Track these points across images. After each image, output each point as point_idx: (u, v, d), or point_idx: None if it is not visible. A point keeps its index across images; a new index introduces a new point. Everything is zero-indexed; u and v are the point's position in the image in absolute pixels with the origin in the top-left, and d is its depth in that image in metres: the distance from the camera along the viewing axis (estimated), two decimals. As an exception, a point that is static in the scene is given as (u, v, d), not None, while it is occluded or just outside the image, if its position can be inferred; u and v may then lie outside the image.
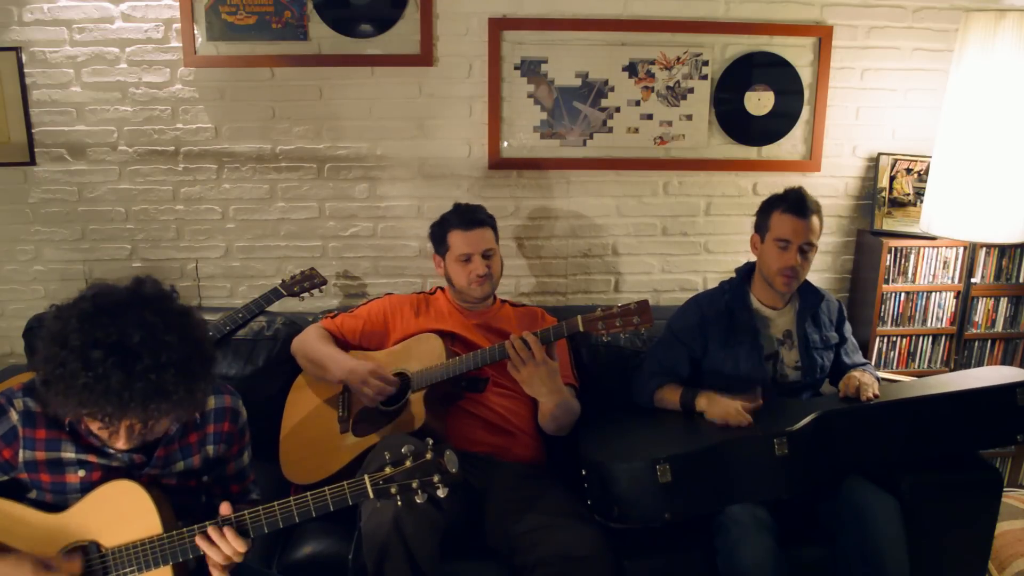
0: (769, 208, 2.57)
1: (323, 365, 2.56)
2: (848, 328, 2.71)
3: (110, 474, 1.75)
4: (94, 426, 1.65)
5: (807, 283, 2.65)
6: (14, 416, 1.72)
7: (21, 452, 1.72)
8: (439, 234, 2.68)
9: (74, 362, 1.55)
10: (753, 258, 2.65)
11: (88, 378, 1.54)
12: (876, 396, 2.40)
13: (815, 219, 2.51)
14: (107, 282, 1.67)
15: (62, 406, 1.62)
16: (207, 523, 1.71)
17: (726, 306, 2.61)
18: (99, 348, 1.55)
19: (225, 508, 1.73)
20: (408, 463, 1.70)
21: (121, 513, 1.72)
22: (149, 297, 1.65)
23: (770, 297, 2.61)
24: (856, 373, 2.51)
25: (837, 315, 2.69)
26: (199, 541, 1.70)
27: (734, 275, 2.70)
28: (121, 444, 1.66)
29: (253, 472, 2.00)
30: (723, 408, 2.40)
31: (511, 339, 2.38)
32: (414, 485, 1.69)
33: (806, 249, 2.51)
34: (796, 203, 2.51)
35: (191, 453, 1.84)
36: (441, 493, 1.69)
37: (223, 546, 1.70)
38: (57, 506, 1.74)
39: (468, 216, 2.64)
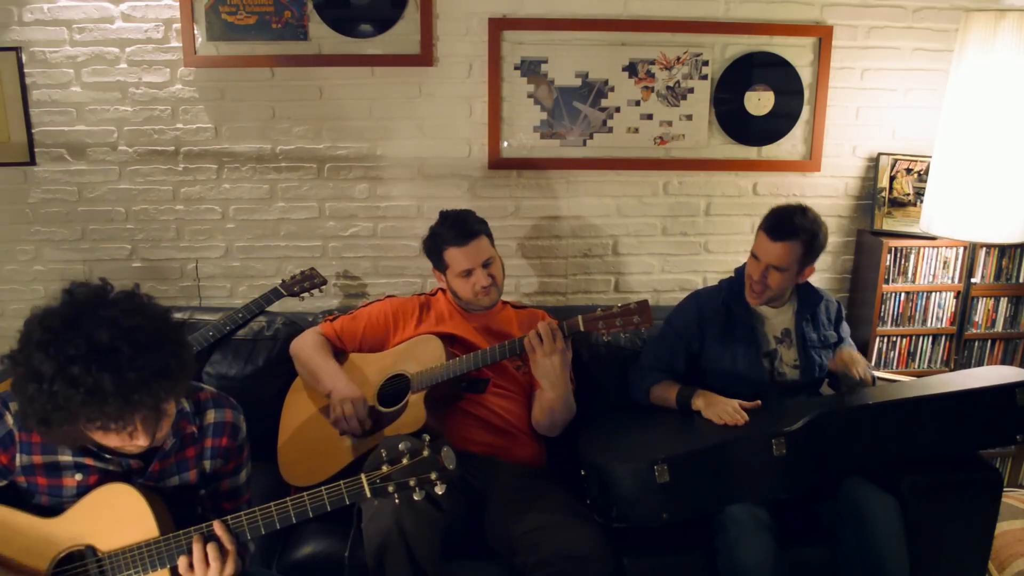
0: (761, 221, 2.56)
1: (318, 378, 2.55)
2: (845, 328, 2.71)
3: (107, 478, 1.74)
4: (110, 439, 1.62)
5: (806, 283, 2.65)
6: (10, 420, 1.71)
7: (18, 456, 1.71)
8: (434, 252, 2.64)
9: (61, 387, 1.51)
10: None
11: (83, 395, 1.51)
12: (867, 377, 2.42)
13: (794, 245, 2.46)
14: (41, 307, 1.63)
15: (68, 434, 1.59)
16: (202, 524, 1.70)
17: (723, 303, 2.61)
18: (75, 363, 1.51)
19: (219, 527, 1.71)
20: (405, 461, 1.69)
21: (117, 516, 1.71)
22: (90, 296, 1.61)
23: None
24: (846, 352, 2.52)
25: (836, 315, 2.69)
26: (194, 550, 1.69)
27: (733, 274, 2.70)
28: (142, 441, 1.62)
29: (249, 492, 1.96)
30: (720, 407, 2.40)
31: (539, 325, 2.37)
32: (411, 483, 1.68)
33: (776, 270, 2.50)
34: (774, 225, 2.49)
35: (187, 468, 1.82)
36: (439, 490, 1.68)
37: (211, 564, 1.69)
38: (52, 509, 1.73)
39: (460, 229, 2.58)
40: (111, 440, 1.62)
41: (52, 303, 1.62)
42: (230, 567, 1.69)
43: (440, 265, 2.65)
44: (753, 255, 2.54)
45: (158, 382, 1.57)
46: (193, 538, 1.69)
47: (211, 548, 1.68)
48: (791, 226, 2.46)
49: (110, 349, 1.53)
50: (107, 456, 1.73)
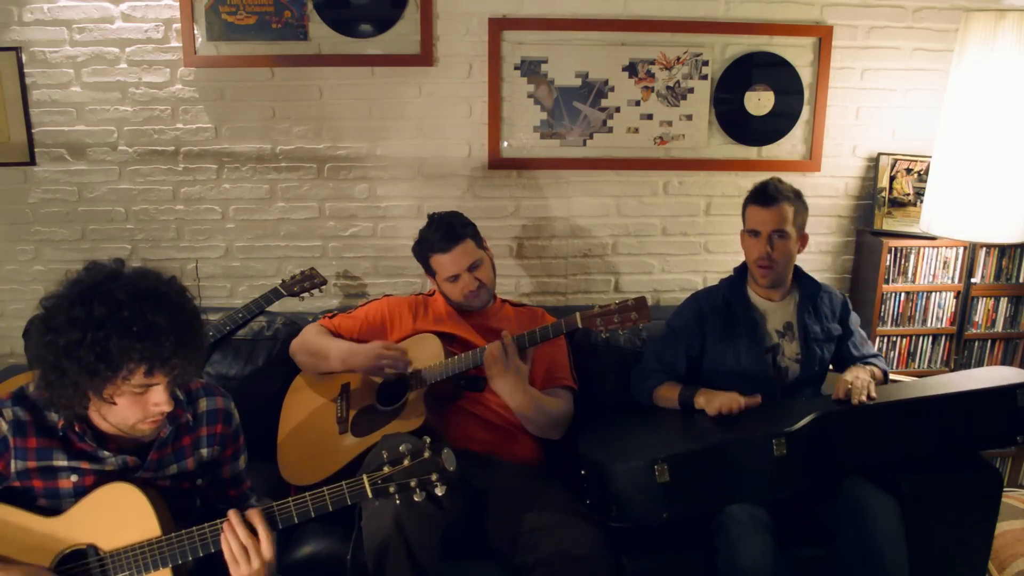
0: (744, 202, 2.61)
1: (326, 355, 2.56)
2: (855, 320, 2.69)
3: (103, 478, 1.73)
4: (136, 409, 1.64)
5: (807, 276, 2.66)
6: (3, 426, 1.70)
7: (13, 463, 1.71)
8: (422, 258, 2.66)
9: (113, 330, 1.55)
10: None
11: (137, 334, 1.55)
12: (872, 398, 2.38)
13: (786, 206, 2.52)
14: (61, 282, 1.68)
15: (108, 381, 1.59)
16: (218, 521, 1.70)
17: (724, 300, 2.62)
18: (124, 308, 1.56)
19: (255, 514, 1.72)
20: (406, 462, 1.70)
21: (118, 516, 1.71)
22: (115, 262, 1.70)
23: (766, 291, 2.62)
24: (847, 376, 2.48)
25: (841, 308, 2.68)
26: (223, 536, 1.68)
27: (733, 273, 2.70)
28: (167, 405, 1.66)
29: (250, 479, 1.98)
30: (718, 399, 2.41)
31: (491, 345, 2.38)
32: (412, 484, 1.69)
33: (779, 237, 2.52)
34: (760, 193, 2.55)
35: (184, 456, 1.83)
36: (439, 491, 1.69)
37: (242, 535, 1.68)
38: (52, 510, 1.73)
39: (445, 234, 2.58)
40: (135, 410, 1.64)
41: (69, 276, 1.68)
42: (268, 550, 1.68)
43: (429, 270, 2.67)
44: (751, 233, 2.56)
45: (200, 326, 1.66)
46: (223, 526, 1.69)
47: (257, 517, 1.69)
48: (775, 190, 2.54)
49: (159, 293, 1.61)
50: (104, 454, 1.73)
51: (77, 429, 1.71)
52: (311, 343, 2.64)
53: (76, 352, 1.56)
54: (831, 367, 2.69)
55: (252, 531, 1.69)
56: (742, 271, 2.67)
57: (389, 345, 2.49)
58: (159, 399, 1.65)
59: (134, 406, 1.65)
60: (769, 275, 2.56)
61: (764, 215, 2.53)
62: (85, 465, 1.73)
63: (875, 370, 2.59)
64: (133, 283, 1.61)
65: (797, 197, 2.57)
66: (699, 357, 2.63)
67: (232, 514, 1.69)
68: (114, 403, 1.64)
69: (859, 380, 2.44)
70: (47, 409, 1.73)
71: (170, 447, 1.81)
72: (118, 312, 1.56)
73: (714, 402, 2.41)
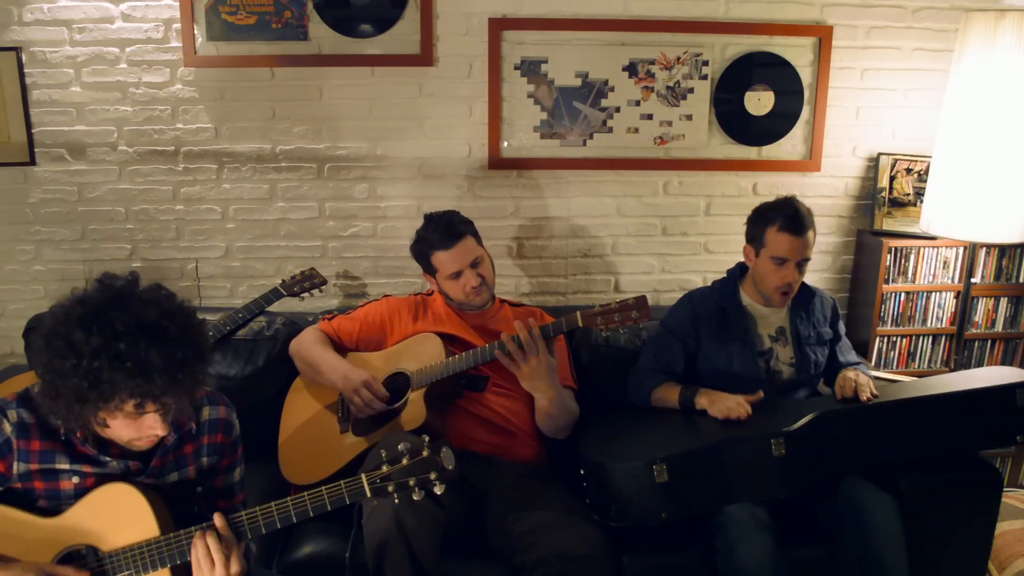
0: (763, 222, 2.53)
1: (319, 369, 2.56)
2: (842, 327, 2.71)
3: (104, 480, 1.73)
4: (129, 429, 1.63)
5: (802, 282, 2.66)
6: (7, 428, 1.70)
7: (15, 464, 1.70)
8: (422, 256, 2.64)
9: (105, 362, 1.53)
10: None
11: (128, 369, 1.53)
12: (875, 395, 2.39)
13: (811, 233, 2.49)
14: (71, 294, 1.64)
15: (88, 420, 1.60)
16: (205, 524, 1.70)
17: (716, 304, 2.61)
18: (121, 339, 1.53)
19: (219, 519, 1.71)
20: (405, 461, 1.70)
21: (117, 516, 1.71)
22: (128, 281, 1.66)
23: (761, 297, 2.61)
24: (851, 373, 2.50)
25: (831, 312, 2.69)
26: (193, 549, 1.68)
27: (725, 275, 2.70)
28: (161, 431, 1.65)
29: (244, 494, 1.96)
30: (723, 403, 2.40)
31: (507, 335, 2.35)
32: (411, 483, 1.69)
33: (802, 263, 2.51)
34: (792, 221, 2.47)
35: (185, 464, 1.83)
36: (438, 490, 1.70)
37: (215, 553, 1.67)
38: (51, 511, 1.73)
39: (446, 231, 2.57)
40: (129, 431, 1.64)
41: (79, 291, 1.64)
42: (235, 565, 1.69)
43: (429, 269, 2.66)
44: (776, 260, 2.49)
45: (200, 364, 1.63)
46: (195, 535, 1.69)
47: (212, 540, 1.68)
48: (805, 217, 2.49)
49: (158, 327, 1.57)
50: (105, 459, 1.73)
51: (79, 435, 1.71)
52: (307, 354, 2.63)
53: (70, 378, 1.55)
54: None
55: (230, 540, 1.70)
56: (734, 275, 2.67)
57: (371, 384, 2.44)
58: (152, 424, 1.64)
59: (128, 428, 1.64)
60: (788, 300, 2.57)
61: (796, 244, 2.47)
62: (87, 468, 1.72)
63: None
64: (136, 312, 1.57)
65: (813, 219, 2.54)
66: (695, 356, 2.63)
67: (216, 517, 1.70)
68: (107, 426, 1.64)
69: (863, 377, 2.46)
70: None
71: (172, 455, 1.80)
72: (114, 344, 1.53)
73: (719, 405, 2.41)
